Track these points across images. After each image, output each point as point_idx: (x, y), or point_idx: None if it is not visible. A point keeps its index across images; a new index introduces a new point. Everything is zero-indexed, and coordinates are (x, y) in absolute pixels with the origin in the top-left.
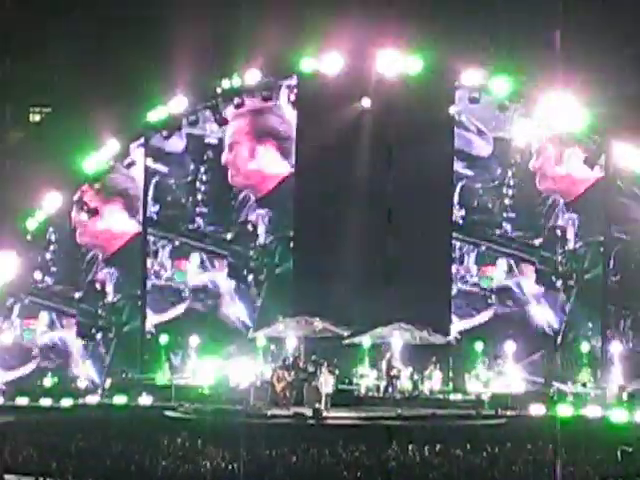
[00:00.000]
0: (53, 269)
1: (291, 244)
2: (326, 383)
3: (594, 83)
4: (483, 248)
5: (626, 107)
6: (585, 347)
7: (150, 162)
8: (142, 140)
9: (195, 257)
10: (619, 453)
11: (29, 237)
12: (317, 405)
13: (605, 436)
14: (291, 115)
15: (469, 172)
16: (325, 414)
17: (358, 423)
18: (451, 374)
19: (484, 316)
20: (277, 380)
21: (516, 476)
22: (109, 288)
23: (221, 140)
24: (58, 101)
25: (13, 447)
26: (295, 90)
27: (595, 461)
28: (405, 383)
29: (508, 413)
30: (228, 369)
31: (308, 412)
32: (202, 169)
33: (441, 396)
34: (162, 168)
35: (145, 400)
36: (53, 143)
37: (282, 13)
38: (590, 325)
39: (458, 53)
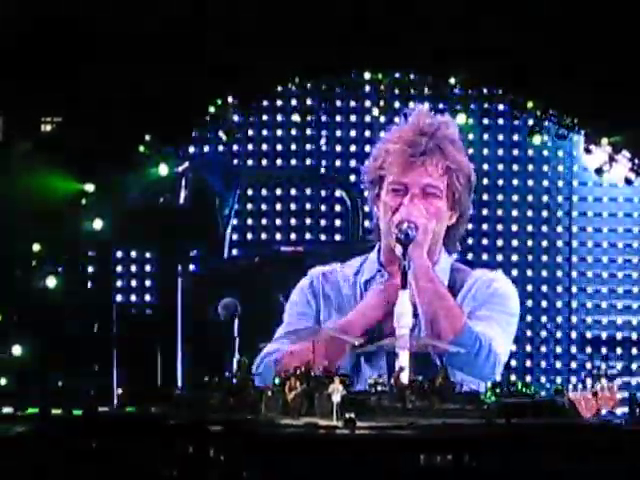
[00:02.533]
0: None
1: None
2: (337, 392)
3: None
4: None
5: None
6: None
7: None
8: None
9: None
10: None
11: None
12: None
13: (615, 444)
14: None
15: None
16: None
17: (369, 433)
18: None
19: None
20: (289, 389)
21: None
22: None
23: None
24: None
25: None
26: None
27: (603, 468)
28: (414, 392)
29: (519, 421)
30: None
31: (320, 422)
32: None
33: (452, 405)
34: None
35: (155, 408)
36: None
37: None
38: None
39: None
